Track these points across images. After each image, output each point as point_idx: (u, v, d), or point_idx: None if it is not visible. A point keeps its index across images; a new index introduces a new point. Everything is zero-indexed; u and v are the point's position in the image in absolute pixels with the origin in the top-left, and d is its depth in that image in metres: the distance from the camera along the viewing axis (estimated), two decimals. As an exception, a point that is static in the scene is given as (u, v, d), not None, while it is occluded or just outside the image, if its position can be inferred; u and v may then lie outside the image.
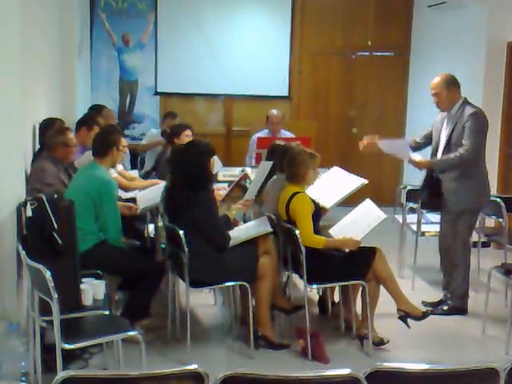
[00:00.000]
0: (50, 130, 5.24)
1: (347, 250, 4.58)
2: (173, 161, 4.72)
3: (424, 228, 6.04)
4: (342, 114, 9.56)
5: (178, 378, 2.27)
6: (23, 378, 3.67)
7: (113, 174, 5.29)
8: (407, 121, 9.48)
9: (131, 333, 3.61)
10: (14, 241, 4.06)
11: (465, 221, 5.15)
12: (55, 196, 4.25)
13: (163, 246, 4.97)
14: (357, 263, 4.54)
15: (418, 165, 5.17)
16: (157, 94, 9.32)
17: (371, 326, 4.55)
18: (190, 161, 4.47)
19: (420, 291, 5.70)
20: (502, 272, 4.83)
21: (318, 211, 4.71)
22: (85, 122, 6.04)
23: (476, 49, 7.44)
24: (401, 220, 6.33)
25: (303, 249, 4.37)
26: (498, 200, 5.52)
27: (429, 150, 5.36)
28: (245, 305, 4.66)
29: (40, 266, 3.38)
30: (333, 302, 5.13)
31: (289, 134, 7.51)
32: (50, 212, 3.88)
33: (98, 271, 4.18)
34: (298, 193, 4.59)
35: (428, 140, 5.35)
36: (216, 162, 5.53)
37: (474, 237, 5.48)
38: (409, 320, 4.56)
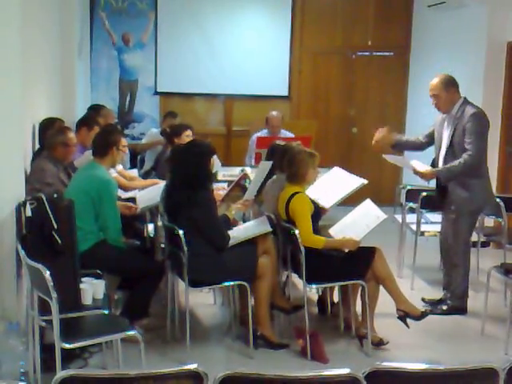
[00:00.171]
0: (49, 129, 5.24)
1: (346, 250, 4.58)
2: (173, 160, 4.72)
3: (423, 228, 6.04)
4: (341, 114, 9.56)
5: (177, 378, 2.27)
6: (22, 378, 3.67)
7: (112, 173, 5.29)
8: (407, 120, 9.49)
9: (130, 332, 3.61)
10: (13, 240, 4.05)
11: (466, 221, 5.15)
12: (55, 196, 4.26)
13: (163, 245, 4.98)
14: (356, 263, 4.54)
15: (423, 176, 5.15)
16: (157, 93, 9.31)
17: (371, 325, 4.55)
18: (190, 160, 4.47)
19: (419, 291, 5.70)
20: (501, 272, 4.83)
21: (318, 211, 4.71)
22: (85, 122, 6.05)
23: (476, 48, 7.44)
24: (400, 220, 6.33)
25: (303, 248, 4.37)
26: (498, 200, 5.52)
27: (431, 149, 5.37)
28: (244, 304, 4.66)
29: (39, 266, 3.38)
30: (332, 302, 5.13)
31: (289, 134, 7.51)
32: (49, 212, 3.88)
33: (98, 271, 4.18)
34: (297, 193, 4.59)
35: (431, 139, 5.34)
36: (215, 162, 5.53)
37: (474, 236, 5.48)
38: (408, 320, 4.56)
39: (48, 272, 3.34)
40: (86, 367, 4.06)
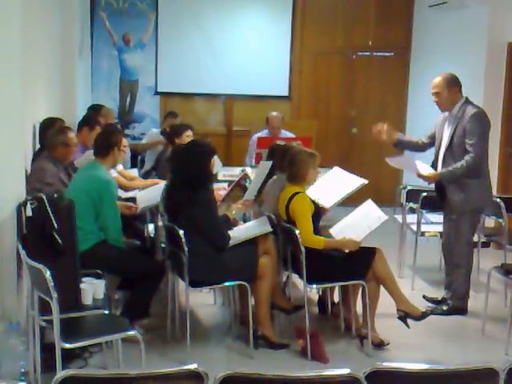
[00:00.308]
0: (50, 129, 5.24)
1: (347, 251, 4.58)
2: (174, 160, 4.72)
3: (424, 228, 6.04)
4: (342, 114, 9.56)
5: (177, 378, 2.27)
6: (23, 378, 3.67)
7: (113, 173, 5.29)
8: (407, 121, 9.49)
9: (131, 332, 3.61)
10: (14, 240, 4.05)
11: (468, 221, 5.15)
12: (55, 195, 4.26)
13: (163, 245, 4.98)
14: (356, 263, 4.54)
15: (427, 178, 5.15)
16: (157, 93, 9.32)
17: (372, 326, 4.55)
18: (191, 160, 4.47)
19: (420, 291, 5.70)
20: (501, 272, 4.83)
21: (318, 211, 4.71)
22: (86, 122, 6.07)
23: (477, 49, 7.44)
24: (401, 220, 6.33)
25: (303, 249, 4.37)
26: (498, 200, 5.52)
27: (431, 150, 5.37)
28: (244, 304, 4.66)
29: (40, 266, 3.38)
30: (332, 302, 5.13)
31: (289, 134, 7.51)
32: (50, 211, 3.89)
33: (98, 271, 4.18)
34: (297, 193, 4.59)
35: (433, 140, 5.32)
36: (216, 162, 5.53)
37: (474, 237, 5.47)
38: (408, 320, 4.56)
39: (48, 272, 3.33)
40: (87, 367, 4.06)
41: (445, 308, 5.28)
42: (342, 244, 4.56)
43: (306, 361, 4.38)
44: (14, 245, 4.04)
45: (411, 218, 6.21)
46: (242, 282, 4.44)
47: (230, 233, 4.56)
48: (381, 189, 8.47)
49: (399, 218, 6.41)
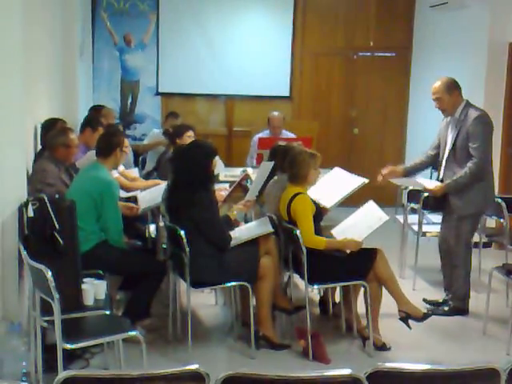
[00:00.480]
0: (51, 130, 5.25)
1: (348, 251, 4.58)
2: (175, 161, 4.72)
3: (425, 228, 6.04)
4: (343, 115, 9.56)
5: (178, 378, 2.27)
6: (24, 378, 3.67)
7: (114, 174, 5.30)
8: (408, 121, 9.49)
9: (132, 333, 3.61)
10: (15, 241, 4.06)
11: (469, 223, 5.14)
12: (56, 196, 4.27)
13: (164, 246, 4.98)
14: (358, 263, 4.54)
15: (434, 193, 5.13)
16: (158, 94, 9.32)
17: (374, 327, 4.55)
18: (192, 161, 4.48)
19: (421, 291, 5.70)
20: (503, 272, 4.83)
21: (319, 212, 4.71)
22: (89, 123, 6.08)
23: (478, 49, 7.44)
24: (402, 220, 6.34)
25: (304, 249, 4.37)
26: (500, 200, 5.52)
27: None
28: (246, 305, 4.66)
29: (41, 266, 3.38)
30: (334, 303, 5.13)
31: (290, 135, 7.51)
32: (51, 212, 3.89)
33: (100, 271, 4.18)
34: (299, 194, 4.59)
35: (439, 150, 5.31)
36: (218, 164, 5.54)
37: (475, 237, 5.47)
38: (410, 321, 4.56)
39: (50, 272, 3.34)
40: (88, 367, 4.06)
41: (446, 309, 5.28)
42: (343, 244, 4.56)
43: (307, 361, 4.38)
44: (15, 245, 4.04)
45: (412, 219, 6.21)
46: (244, 283, 4.44)
47: (232, 233, 4.56)
48: (382, 189, 8.40)
49: (400, 218, 6.41)
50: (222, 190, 5.43)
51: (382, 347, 4.55)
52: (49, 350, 3.65)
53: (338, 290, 5.01)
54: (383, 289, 4.58)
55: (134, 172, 6.47)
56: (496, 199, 5.50)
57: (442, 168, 5.18)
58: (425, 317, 4.57)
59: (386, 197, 7.86)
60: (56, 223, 3.87)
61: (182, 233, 4.31)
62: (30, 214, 3.89)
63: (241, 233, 4.67)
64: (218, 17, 9.16)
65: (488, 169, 5.10)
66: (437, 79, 5.20)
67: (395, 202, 7.25)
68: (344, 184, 5.00)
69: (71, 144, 5.00)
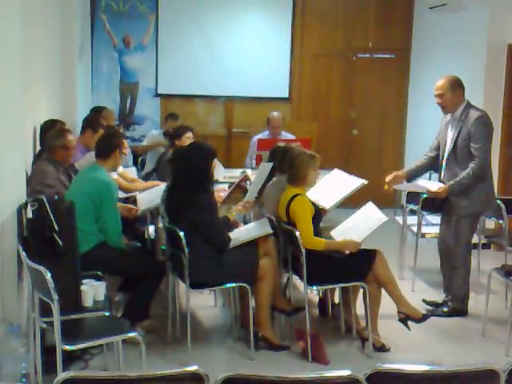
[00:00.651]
0: (50, 131, 5.25)
1: (347, 252, 4.58)
2: (175, 162, 4.72)
3: (424, 230, 6.04)
4: (342, 116, 9.56)
5: (178, 379, 2.27)
6: (23, 380, 3.67)
7: (113, 175, 5.29)
8: (408, 122, 9.49)
9: (131, 334, 3.61)
10: (14, 242, 4.06)
11: (468, 223, 5.14)
12: (56, 197, 4.27)
13: (163, 247, 4.98)
14: (357, 265, 4.54)
15: (438, 194, 5.13)
16: (157, 95, 9.33)
17: (374, 328, 4.55)
18: (191, 162, 4.48)
19: (420, 293, 5.70)
20: (502, 273, 4.83)
21: (318, 213, 4.71)
22: (90, 125, 6.09)
23: (476, 51, 7.45)
24: (401, 221, 6.34)
25: (303, 250, 4.37)
26: (499, 202, 5.52)
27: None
28: (245, 306, 4.66)
29: (40, 268, 3.38)
30: (333, 304, 5.13)
31: (289, 136, 7.51)
32: (50, 213, 3.89)
33: (99, 272, 4.18)
34: (298, 195, 4.59)
35: (439, 151, 5.32)
36: (218, 167, 5.54)
37: (475, 238, 5.47)
38: (409, 322, 4.56)
39: (49, 274, 3.33)
40: (87, 369, 4.07)
41: (445, 310, 5.28)
42: (342, 245, 4.56)
43: (306, 362, 4.38)
44: (14, 247, 4.04)
45: (412, 220, 6.21)
46: (243, 284, 4.44)
47: (231, 234, 4.56)
48: (381, 190, 8.43)
49: (400, 219, 6.41)
50: (221, 191, 5.43)
51: (381, 348, 4.55)
52: (48, 351, 3.65)
53: (337, 291, 5.02)
54: (382, 290, 4.59)
55: (132, 171, 6.46)
56: (496, 200, 5.50)
57: (443, 169, 5.18)
58: (424, 318, 4.57)
59: (385, 198, 7.82)
60: (55, 224, 3.87)
61: (181, 234, 4.31)
62: (29, 215, 3.89)
63: (240, 234, 4.67)
64: (217, 18, 9.17)
65: (488, 169, 5.11)
66: (436, 80, 5.20)
67: (394, 204, 7.25)
68: (343, 185, 5.00)
69: (69, 146, 5.00)
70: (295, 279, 4.87)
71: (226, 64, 9.22)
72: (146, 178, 6.82)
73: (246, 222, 5.47)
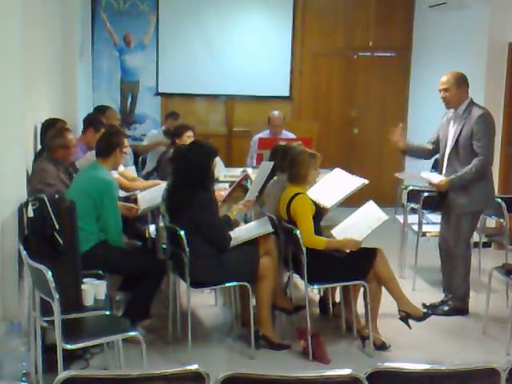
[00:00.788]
0: (51, 130, 5.25)
1: (348, 251, 4.58)
2: (175, 161, 4.72)
3: (425, 228, 6.05)
4: (343, 115, 9.56)
5: (178, 378, 2.27)
6: (24, 378, 3.67)
7: (114, 174, 5.30)
8: (408, 121, 9.47)
9: (132, 333, 3.62)
10: (15, 241, 4.06)
11: (468, 221, 5.14)
12: (56, 196, 4.26)
13: (164, 246, 4.98)
14: (358, 263, 4.54)
15: (439, 187, 5.13)
16: (158, 94, 9.32)
17: (374, 327, 4.55)
18: (192, 161, 4.48)
19: (421, 291, 5.71)
20: (502, 272, 4.83)
21: (319, 212, 4.72)
22: (92, 124, 6.09)
23: (477, 49, 7.44)
24: (402, 220, 6.34)
25: (304, 249, 4.37)
26: (499, 200, 5.52)
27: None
28: (245, 305, 4.66)
29: (41, 267, 3.38)
30: (334, 303, 5.13)
31: (290, 135, 7.51)
32: (51, 212, 3.89)
33: (99, 271, 4.18)
34: (298, 194, 4.59)
35: (438, 146, 5.30)
36: (219, 165, 5.53)
37: (475, 237, 5.48)
38: (410, 320, 4.56)
39: (50, 273, 3.34)
40: (88, 368, 4.06)
41: (446, 308, 5.28)
42: (342, 244, 4.56)
43: (307, 361, 4.38)
44: (15, 245, 4.04)
45: (412, 219, 6.21)
46: (243, 283, 4.45)
47: (231, 233, 4.56)
48: (382, 189, 8.46)
49: (400, 218, 6.41)
50: (221, 190, 5.44)
51: (381, 347, 4.55)
52: (49, 350, 3.65)
53: (337, 289, 5.02)
54: (383, 288, 4.59)
55: (132, 170, 6.46)
56: (496, 199, 5.50)
57: (444, 166, 5.17)
58: (425, 316, 4.58)
59: (386, 197, 7.87)
60: (56, 223, 3.87)
61: (182, 233, 4.31)
62: (30, 214, 3.89)
63: (240, 233, 4.67)
64: (218, 17, 9.16)
65: (490, 167, 5.11)
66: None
67: (395, 202, 7.25)
68: (344, 184, 5.00)
69: (69, 145, 5.00)
70: (296, 278, 4.87)
71: (227, 63, 9.21)
72: (147, 177, 6.83)
73: (246, 221, 5.47)
